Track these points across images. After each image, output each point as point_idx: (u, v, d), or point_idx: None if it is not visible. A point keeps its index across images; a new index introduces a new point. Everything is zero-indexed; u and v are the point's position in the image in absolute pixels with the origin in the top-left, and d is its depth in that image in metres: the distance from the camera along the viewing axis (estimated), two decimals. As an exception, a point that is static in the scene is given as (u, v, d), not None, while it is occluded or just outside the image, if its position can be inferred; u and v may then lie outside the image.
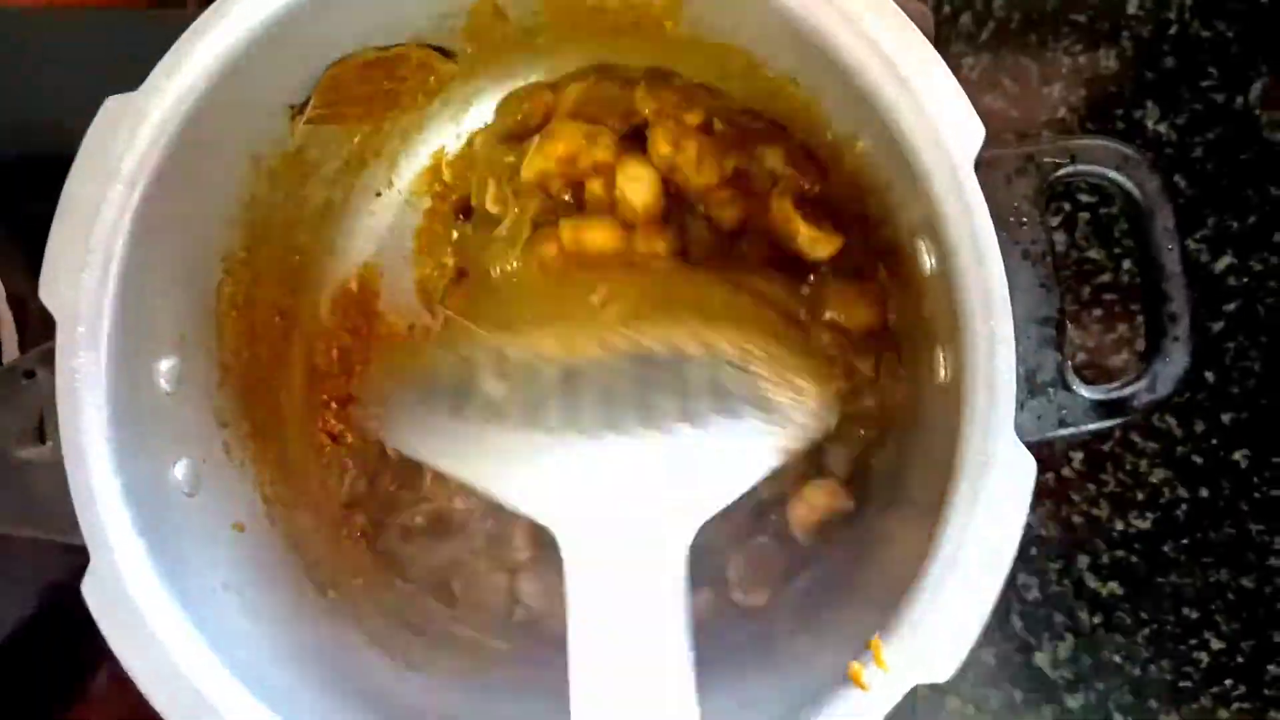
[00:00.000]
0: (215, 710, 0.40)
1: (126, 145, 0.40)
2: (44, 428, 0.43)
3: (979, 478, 0.37)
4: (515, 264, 0.53)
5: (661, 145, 0.52)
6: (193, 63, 0.41)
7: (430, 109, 0.56)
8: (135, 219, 0.41)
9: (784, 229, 0.51)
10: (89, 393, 0.40)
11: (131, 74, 0.42)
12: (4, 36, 0.65)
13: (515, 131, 0.56)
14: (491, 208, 0.55)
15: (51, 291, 0.41)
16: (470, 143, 0.58)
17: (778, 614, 0.53)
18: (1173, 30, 0.65)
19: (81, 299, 0.40)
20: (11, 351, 0.63)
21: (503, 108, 0.57)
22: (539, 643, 0.54)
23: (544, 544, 0.55)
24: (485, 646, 0.55)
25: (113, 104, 0.41)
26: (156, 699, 0.39)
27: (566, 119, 0.54)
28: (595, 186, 0.53)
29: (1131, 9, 0.66)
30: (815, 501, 0.52)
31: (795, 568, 0.53)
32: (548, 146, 0.53)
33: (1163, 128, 0.65)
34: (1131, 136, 0.65)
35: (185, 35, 0.40)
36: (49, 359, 0.41)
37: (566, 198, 0.55)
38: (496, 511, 0.55)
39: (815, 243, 0.52)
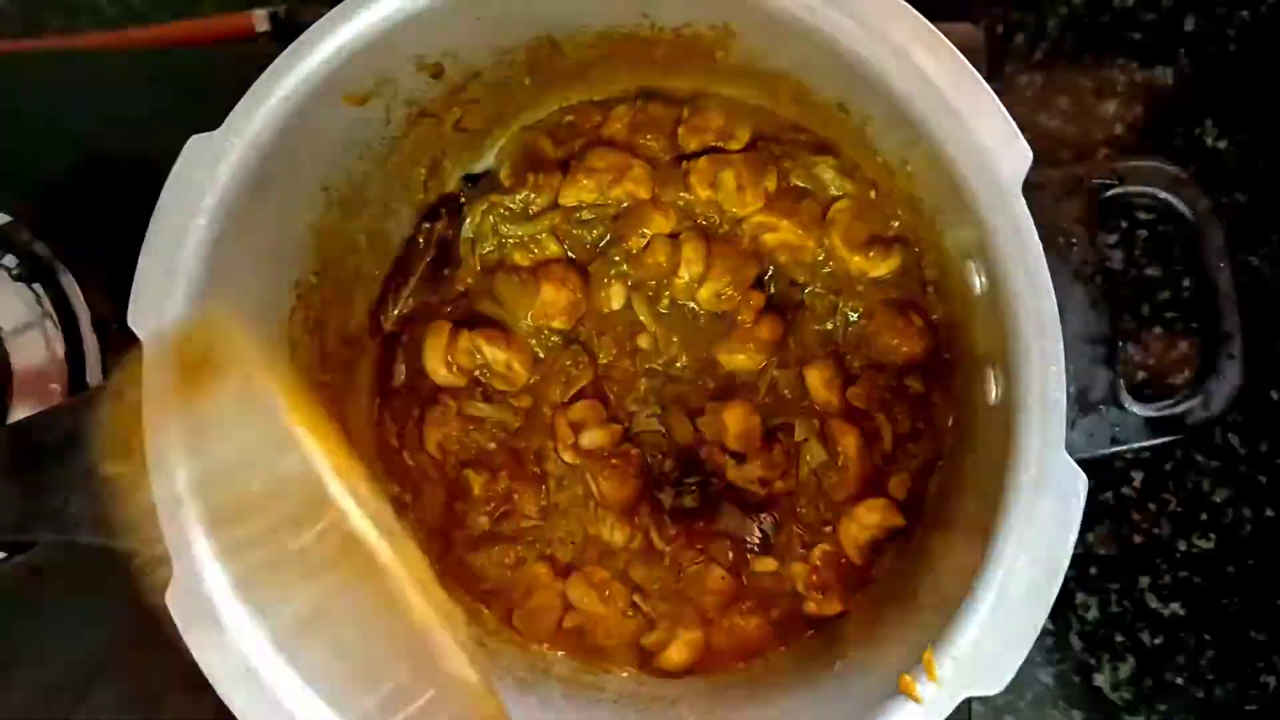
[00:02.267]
0: (291, 715, 0.41)
1: (207, 182, 0.43)
2: (130, 444, 0.45)
3: (1031, 495, 0.37)
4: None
5: (700, 190, 0.55)
6: (269, 104, 0.43)
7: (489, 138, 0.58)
8: (215, 249, 0.43)
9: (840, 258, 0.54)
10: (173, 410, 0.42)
11: (210, 109, 0.44)
12: (92, 75, 0.68)
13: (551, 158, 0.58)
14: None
15: (138, 317, 0.43)
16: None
17: (845, 626, 0.53)
18: (1232, 47, 0.65)
19: (165, 324, 0.43)
20: (95, 370, 0.66)
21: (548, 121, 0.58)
22: (588, 649, 0.56)
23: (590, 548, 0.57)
24: (539, 655, 0.56)
25: (196, 142, 0.43)
26: (234, 703, 0.41)
27: (602, 149, 0.56)
28: (660, 256, 0.56)
29: (1189, 26, 0.65)
30: (866, 521, 0.52)
31: (862, 582, 0.54)
32: (582, 178, 0.55)
33: (1222, 145, 0.64)
34: (1190, 154, 0.64)
35: (262, 77, 0.43)
36: (136, 380, 0.43)
37: (601, 243, 0.57)
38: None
39: (872, 264, 0.54)
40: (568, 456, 0.57)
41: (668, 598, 0.56)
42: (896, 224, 0.54)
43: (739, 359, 0.56)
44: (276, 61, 0.43)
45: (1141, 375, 0.63)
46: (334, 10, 0.42)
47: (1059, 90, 0.66)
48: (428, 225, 0.58)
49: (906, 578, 0.50)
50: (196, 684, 0.42)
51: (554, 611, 0.56)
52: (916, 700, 0.39)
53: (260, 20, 0.67)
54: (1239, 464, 0.63)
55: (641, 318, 0.57)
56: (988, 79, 0.61)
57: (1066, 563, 0.37)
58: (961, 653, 0.38)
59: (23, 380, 0.66)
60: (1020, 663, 0.38)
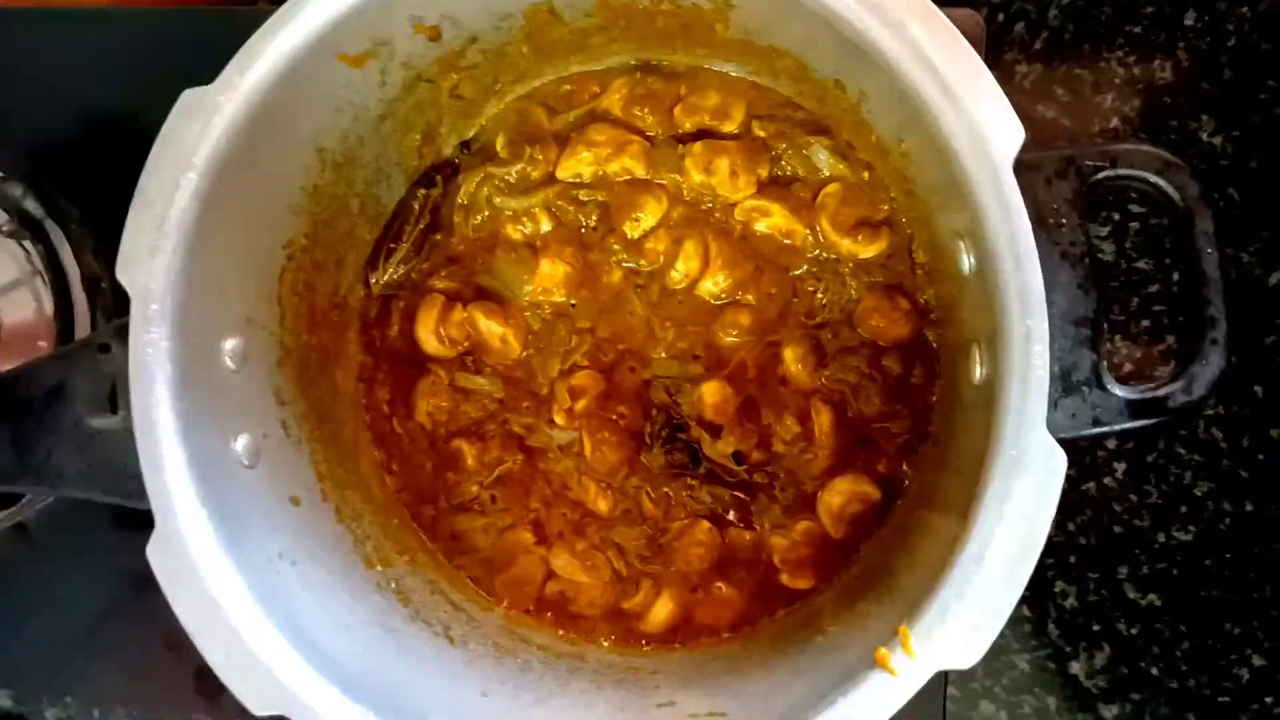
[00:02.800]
0: (268, 670, 0.42)
1: (200, 136, 0.43)
2: (116, 399, 0.45)
3: (1010, 472, 0.38)
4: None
5: (694, 175, 0.56)
6: (263, 60, 0.43)
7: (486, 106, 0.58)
8: (207, 205, 0.43)
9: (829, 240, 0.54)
10: (159, 366, 0.43)
11: (204, 70, 0.44)
12: (85, 33, 0.68)
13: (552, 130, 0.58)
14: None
15: (127, 271, 0.43)
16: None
17: (822, 601, 0.54)
18: (1231, 43, 0.65)
19: (155, 279, 0.43)
20: (84, 329, 0.66)
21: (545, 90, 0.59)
22: (569, 618, 0.56)
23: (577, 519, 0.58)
24: (519, 622, 0.56)
25: (188, 97, 0.43)
26: (213, 656, 0.42)
27: (601, 124, 0.56)
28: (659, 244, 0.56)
29: (1189, 20, 0.65)
30: (842, 488, 0.53)
31: (840, 558, 0.54)
32: (581, 150, 0.56)
33: (1217, 140, 0.65)
34: (1186, 148, 0.65)
35: (257, 34, 0.43)
36: (123, 334, 0.43)
37: (593, 221, 0.57)
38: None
39: (861, 246, 0.54)
40: (561, 420, 0.57)
41: (651, 559, 0.56)
42: (886, 207, 0.54)
43: (726, 339, 0.56)
44: (272, 18, 0.42)
45: (1128, 368, 0.64)
46: (331, -32, 0.42)
47: (1057, 81, 0.66)
48: (423, 192, 0.58)
49: (887, 556, 0.50)
50: (179, 642, 0.42)
51: (536, 579, 0.57)
52: (891, 673, 0.39)
53: (259, -19, 0.67)
54: (1221, 458, 0.63)
55: (636, 308, 0.57)
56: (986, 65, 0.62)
57: (1043, 540, 0.38)
58: (935, 627, 0.39)
59: (11, 336, 0.66)
60: (994, 637, 0.38)
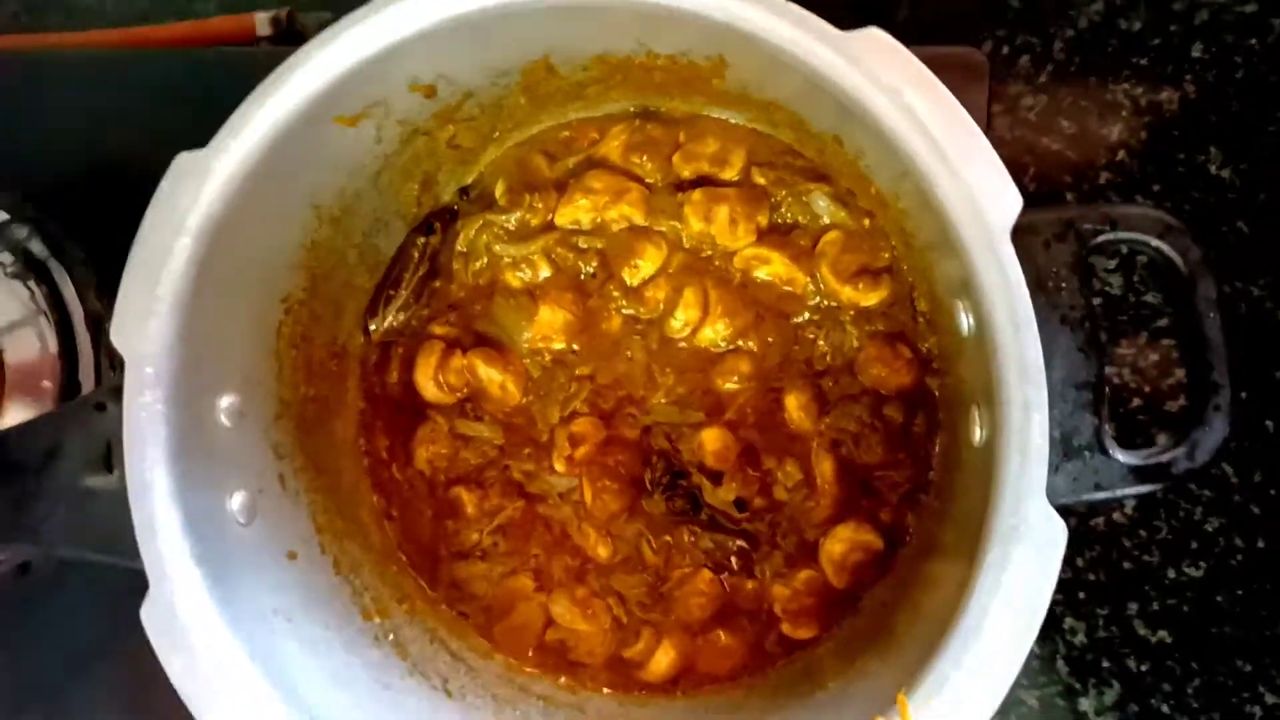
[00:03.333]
0: (265, 732, 0.41)
1: (192, 201, 0.43)
2: (110, 458, 0.45)
3: (1009, 542, 0.37)
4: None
5: (694, 223, 0.56)
6: (256, 124, 0.43)
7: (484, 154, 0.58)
8: (201, 268, 0.43)
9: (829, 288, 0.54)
10: (152, 429, 0.43)
11: (205, 111, 0.44)
12: (87, 77, 0.68)
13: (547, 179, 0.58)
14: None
15: (122, 335, 0.43)
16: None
17: (823, 652, 0.53)
18: (1239, 75, 0.64)
19: (149, 343, 0.43)
20: (88, 368, 0.66)
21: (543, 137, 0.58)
22: (569, 666, 0.56)
23: (577, 566, 0.57)
24: (518, 671, 0.56)
25: (182, 160, 0.43)
26: (206, 718, 0.41)
27: (600, 170, 0.56)
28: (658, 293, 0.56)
29: (1196, 52, 0.65)
30: (844, 536, 0.53)
31: (842, 607, 0.54)
32: (579, 197, 0.56)
33: (1225, 173, 0.64)
34: (1193, 181, 0.64)
35: (250, 97, 0.43)
36: (119, 394, 0.43)
37: (592, 268, 0.57)
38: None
39: (862, 294, 0.54)
40: (561, 466, 0.56)
41: (651, 607, 0.56)
42: (887, 255, 0.54)
43: (726, 386, 0.56)
44: (265, 81, 0.42)
45: (1136, 402, 0.63)
46: (324, 32, 0.41)
47: (1062, 113, 0.65)
48: (422, 239, 0.58)
49: (888, 607, 0.50)
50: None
51: (536, 626, 0.56)
52: (889, 743, 0.39)
53: (261, 24, 0.67)
54: (1232, 493, 0.62)
55: (636, 355, 0.57)
56: (991, 100, 0.61)
57: (1043, 612, 0.37)
58: (933, 697, 0.38)
59: (16, 377, 0.67)
60: (995, 707, 0.38)
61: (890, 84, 0.37)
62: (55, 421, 0.47)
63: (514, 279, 0.57)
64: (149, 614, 0.42)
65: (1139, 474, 0.39)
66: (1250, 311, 0.63)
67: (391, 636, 0.53)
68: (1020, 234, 0.38)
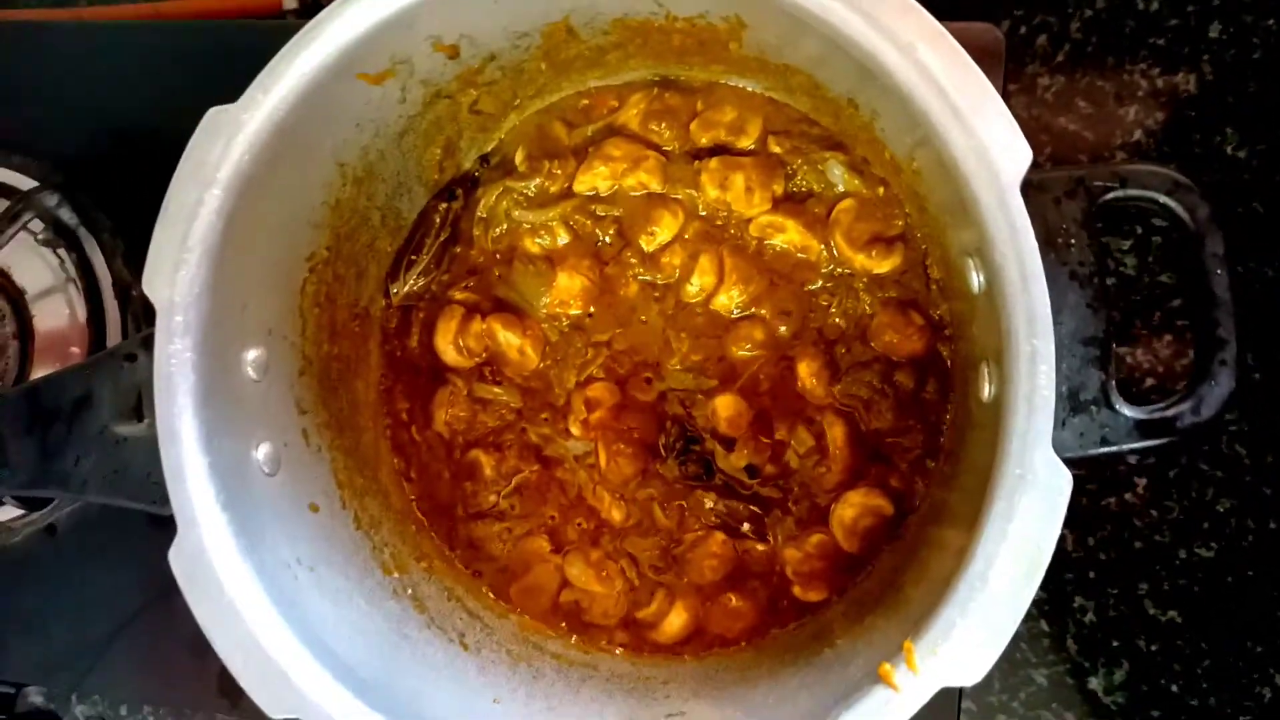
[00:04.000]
0: (285, 675, 0.43)
1: (224, 154, 0.44)
2: (141, 407, 0.47)
3: (1015, 490, 0.38)
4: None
5: (710, 190, 0.56)
6: (286, 79, 0.44)
7: (504, 120, 0.59)
8: (229, 221, 0.44)
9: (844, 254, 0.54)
10: (182, 377, 0.44)
11: (232, 80, 0.45)
12: (116, 46, 0.69)
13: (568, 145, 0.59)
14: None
15: (153, 285, 0.44)
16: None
17: (833, 614, 0.54)
18: (1256, 55, 0.64)
19: (179, 293, 0.44)
20: (115, 336, 0.68)
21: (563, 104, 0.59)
22: (582, 626, 0.57)
23: (592, 528, 0.58)
24: (533, 630, 0.57)
25: (212, 115, 0.44)
26: (232, 662, 0.43)
27: (618, 138, 0.57)
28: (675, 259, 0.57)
29: (1213, 33, 0.65)
30: (855, 501, 0.54)
31: (852, 571, 0.55)
32: (598, 164, 0.57)
33: (1242, 153, 0.64)
34: (1209, 162, 0.64)
35: (280, 54, 0.44)
36: (149, 345, 0.45)
37: (609, 235, 0.58)
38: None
39: (875, 261, 0.55)
40: (577, 430, 0.57)
41: (664, 569, 0.57)
42: (900, 223, 0.55)
43: (740, 353, 0.57)
44: (295, 38, 0.43)
45: (1150, 382, 0.63)
46: (351, -11, 0.43)
47: (1079, 93, 0.65)
48: (443, 205, 0.59)
49: (897, 571, 0.50)
50: (203, 645, 0.43)
51: (551, 587, 0.57)
52: (894, 689, 0.39)
53: (288, -3, 0.68)
54: (1244, 474, 0.62)
55: (652, 321, 0.58)
56: (1008, 79, 0.62)
57: (1048, 559, 0.38)
58: (940, 644, 0.39)
59: (45, 343, 0.68)
60: (998, 655, 0.38)
61: (905, 40, 0.38)
62: (86, 371, 0.48)
63: (533, 245, 0.58)
64: (177, 558, 0.43)
65: (1144, 428, 0.39)
66: (1264, 292, 0.63)
67: (410, 591, 0.54)
68: (1031, 191, 0.38)
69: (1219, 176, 0.64)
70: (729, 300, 0.56)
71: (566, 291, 0.57)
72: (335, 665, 0.44)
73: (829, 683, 0.43)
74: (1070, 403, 0.39)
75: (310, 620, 0.45)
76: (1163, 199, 0.39)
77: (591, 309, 0.58)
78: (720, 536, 0.56)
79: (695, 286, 0.56)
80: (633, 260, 0.58)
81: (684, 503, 0.57)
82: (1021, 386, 0.38)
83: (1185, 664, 0.62)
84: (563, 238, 0.58)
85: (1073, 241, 0.39)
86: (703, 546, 0.56)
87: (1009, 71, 0.63)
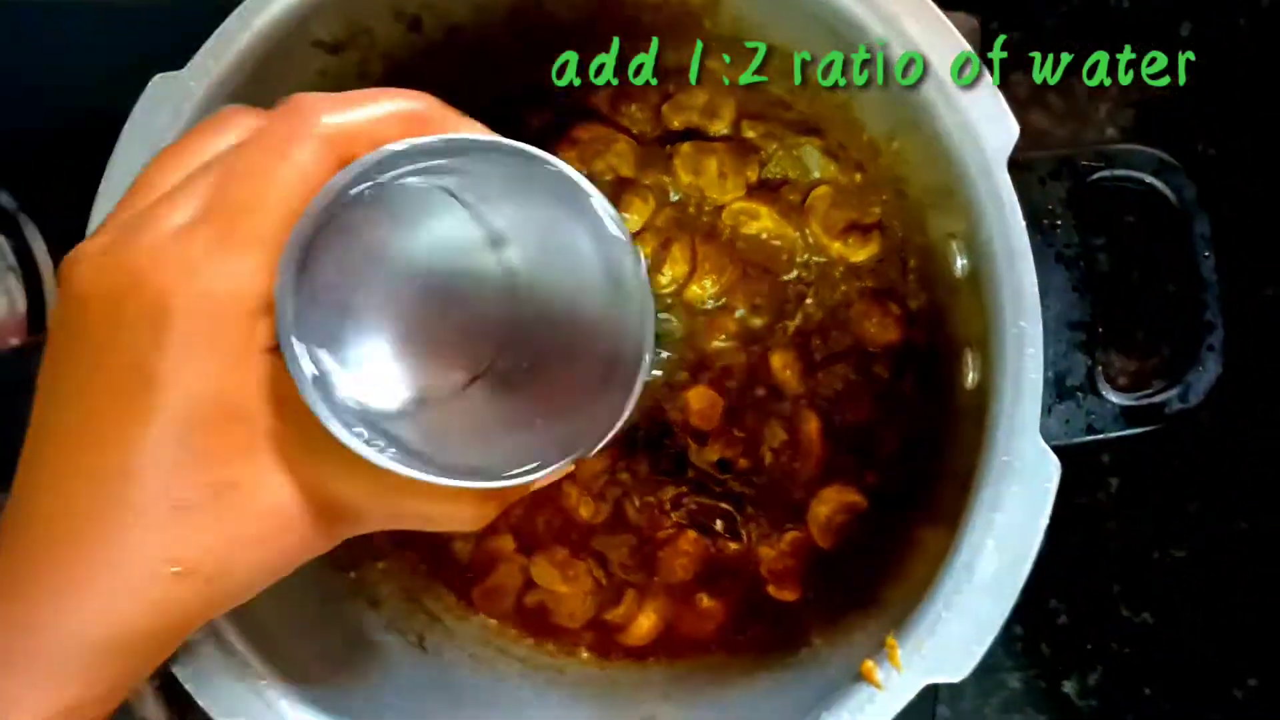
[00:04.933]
0: (233, 679, 0.40)
1: (171, 121, 0.41)
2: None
3: (1001, 479, 0.37)
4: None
5: (682, 176, 0.55)
6: (237, 44, 0.42)
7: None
8: (176, 194, 0.42)
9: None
10: (125, 360, 0.41)
11: (180, 61, 0.42)
12: (58, 25, 0.67)
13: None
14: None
15: (93, 262, 0.41)
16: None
17: (809, 613, 0.53)
18: (1230, 53, 0.64)
19: (121, 269, 0.41)
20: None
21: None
22: (548, 629, 0.55)
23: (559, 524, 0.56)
24: (497, 632, 0.55)
25: (159, 82, 0.42)
26: (181, 670, 0.40)
27: (588, 122, 0.55)
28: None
29: (1184, 32, 0.65)
30: (830, 497, 0.52)
31: (829, 569, 0.53)
32: (565, 148, 0.55)
33: (1213, 151, 0.64)
34: (1180, 158, 0.64)
35: (231, 17, 0.42)
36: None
37: None
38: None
39: (851, 249, 0.54)
40: None
41: (634, 569, 0.55)
42: (877, 210, 0.53)
43: (712, 345, 0.55)
44: (247, 1, 0.41)
45: (1123, 380, 0.63)
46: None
47: (1053, 89, 0.65)
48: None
49: (875, 568, 0.49)
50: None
51: (515, 588, 0.55)
52: (877, 686, 0.38)
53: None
54: (1216, 475, 0.62)
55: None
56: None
57: (1035, 549, 0.37)
58: (925, 638, 0.37)
59: (-18, 335, 0.65)
60: (985, 650, 0.37)
61: (888, 11, 0.37)
62: (24, 357, 0.45)
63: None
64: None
65: (1132, 415, 0.38)
66: (1238, 290, 0.63)
67: (368, 592, 0.52)
68: (1016, 171, 0.37)
69: (1191, 176, 0.64)
70: (701, 291, 0.55)
71: None
72: (288, 667, 0.41)
73: (808, 682, 0.42)
74: (1056, 389, 0.38)
75: (262, 620, 0.43)
76: (1148, 179, 0.38)
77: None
78: (692, 534, 0.54)
79: (667, 277, 0.55)
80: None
81: (654, 499, 0.55)
82: (1008, 371, 0.36)
83: (1159, 667, 0.62)
84: None
85: (1058, 223, 0.38)
86: (673, 545, 0.54)
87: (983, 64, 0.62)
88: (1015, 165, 0.37)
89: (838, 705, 0.38)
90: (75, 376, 0.30)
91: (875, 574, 0.48)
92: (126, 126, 0.41)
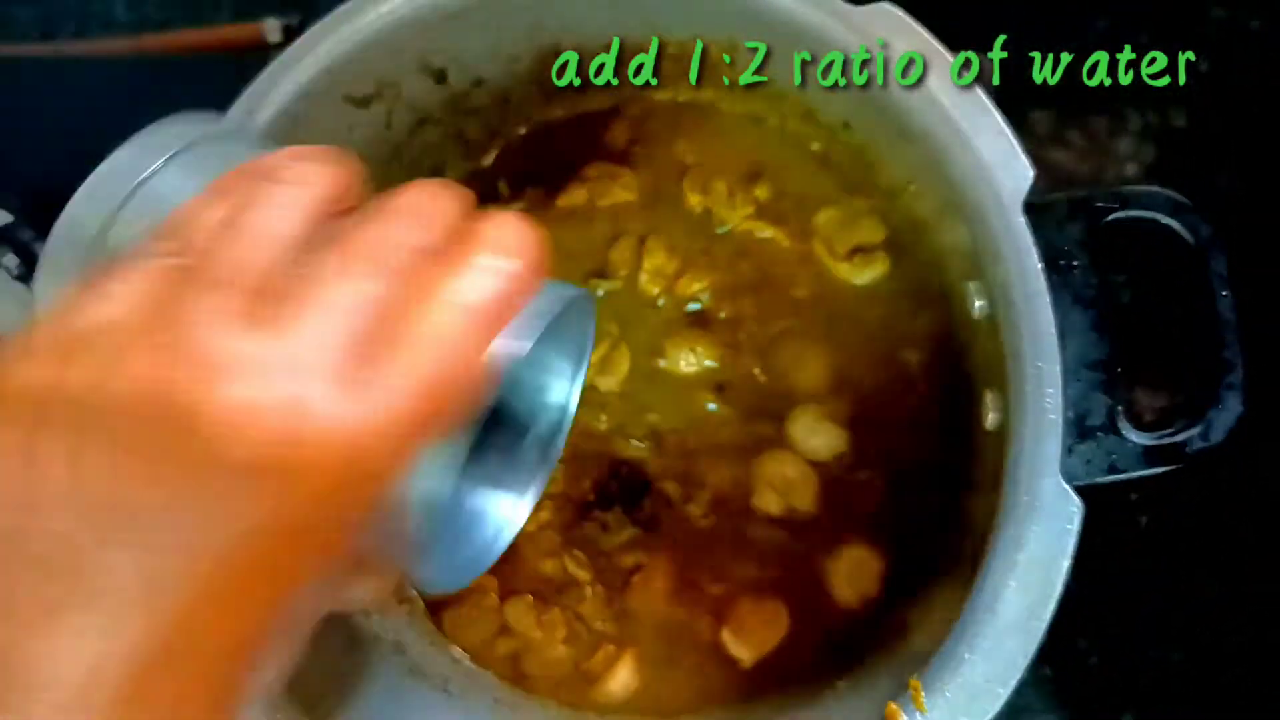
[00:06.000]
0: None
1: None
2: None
3: (1024, 519, 0.36)
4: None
5: (691, 197, 0.55)
6: (270, 100, 0.43)
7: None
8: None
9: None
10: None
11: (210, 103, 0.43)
12: (94, 81, 0.68)
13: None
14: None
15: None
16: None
17: (824, 658, 0.52)
18: (1245, 88, 0.64)
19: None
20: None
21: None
22: (520, 676, 0.54)
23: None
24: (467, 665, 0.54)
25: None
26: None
27: (597, 162, 0.56)
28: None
29: (1204, 67, 0.65)
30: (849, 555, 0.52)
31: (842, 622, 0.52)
32: (575, 188, 0.56)
33: (1236, 186, 0.64)
34: (1202, 194, 0.64)
35: (264, 74, 0.43)
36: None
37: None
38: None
39: (856, 270, 0.53)
40: None
41: (609, 620, 0.54)
42: (883, 233, 0.53)
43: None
44: (280, 57, 0.42)
45: (1149, 418, 0.62)
46: (338, 9, 0.42)
47: (1071, 126, 0.65)
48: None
49: (895, 614, 0.48)
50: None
51: (489, 626, 0.54)
52: (902, 730, 0.38)
53: (272, 30, 0.67)
54: (1250, 509, 0.61)
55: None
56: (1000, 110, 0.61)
57: (1060, 589, 0.36)
58: (949, 680, 0.37)
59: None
60: (1010, 692, 0.37)
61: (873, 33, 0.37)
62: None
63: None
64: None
65: (1153, 455, 0.38)
66: (1257, 326, 0.62)
67: (391, 636, 0.52)
68: (1032, 213, 0.38)
69: (1212, 212, 0.64)
70: (694, 284, 0.54)
71: None
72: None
73: (833, 726, 0.41)
74: (1076, 429, 0.38)
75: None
76: (1164, 219, 0.38)
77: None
78: (660, 582, 0.53)
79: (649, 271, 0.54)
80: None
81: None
82: (1028, 411, 0.36)
83: (1191, 706, 0.60)
84: None
85: (1075, 264, 0.38)
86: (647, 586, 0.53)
87: (999, 102, 0.62)
88: (1032, 208, 0.38)
89: (863, 748, 0.38)
90: None
91: (899, 620, 0.48)
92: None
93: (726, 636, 0.52)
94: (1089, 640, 0.61)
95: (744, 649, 0.52)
